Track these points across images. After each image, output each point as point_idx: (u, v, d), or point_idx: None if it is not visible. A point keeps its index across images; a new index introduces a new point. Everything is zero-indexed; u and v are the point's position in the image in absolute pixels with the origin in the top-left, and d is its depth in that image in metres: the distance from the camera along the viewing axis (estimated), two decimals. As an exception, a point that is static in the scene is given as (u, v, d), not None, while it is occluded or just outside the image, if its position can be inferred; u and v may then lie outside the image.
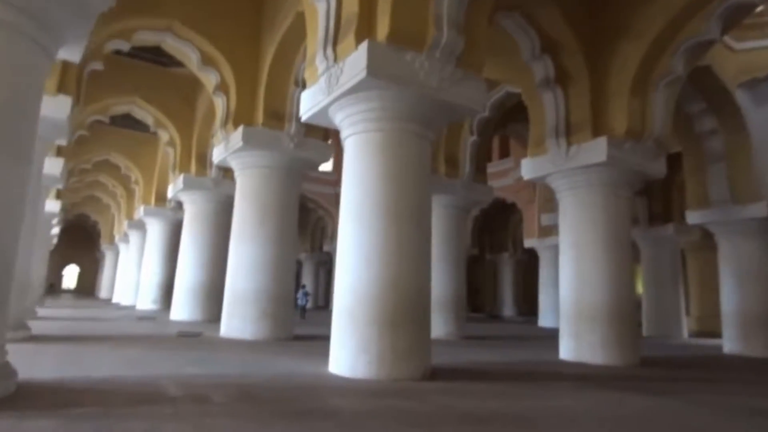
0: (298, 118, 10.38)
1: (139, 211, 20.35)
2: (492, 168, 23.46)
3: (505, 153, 25.14)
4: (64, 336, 9.04)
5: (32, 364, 5.68)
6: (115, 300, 27.08)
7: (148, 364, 6.26)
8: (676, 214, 17.32)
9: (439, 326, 12.25)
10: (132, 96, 14.37)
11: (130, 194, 23.29)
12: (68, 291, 46.67)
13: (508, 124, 15.71)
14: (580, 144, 9.11)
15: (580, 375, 7.27)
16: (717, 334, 14.67)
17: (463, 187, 12.74)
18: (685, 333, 17.47)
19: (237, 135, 10.17)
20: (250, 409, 4.18)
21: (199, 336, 10.04)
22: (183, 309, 14.29)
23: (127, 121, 17.68)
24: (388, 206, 6.31)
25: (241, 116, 10.40)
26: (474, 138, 12.83)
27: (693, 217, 12.95)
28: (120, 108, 14.70)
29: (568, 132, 9.37)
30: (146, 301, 19.49)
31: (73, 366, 5.92)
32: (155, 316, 15.54)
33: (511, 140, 24.18)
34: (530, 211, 22.72)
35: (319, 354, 7.25)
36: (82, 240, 44.25)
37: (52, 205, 17.88)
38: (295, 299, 17.80)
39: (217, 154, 11.38)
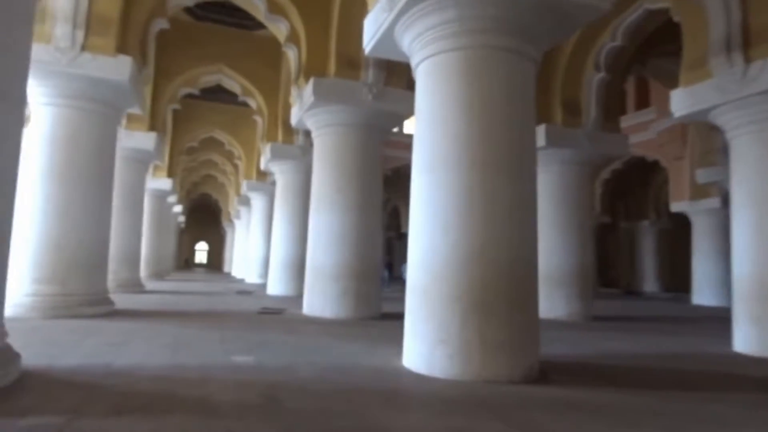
0: (376, 65, 8.74)
1: (243, 187, 20.28)
2: (627, 121, 19.94)
3: (643, 103, 21.22)
4: (146, 311, 8.53)
5: (70, 347, 4.99)
6: (234, 274, 28.04)
7: (199, 349, 5.28)
8: None
9: (559, 305, 10.10)
10: (218, 64, 13.69)
11: (236, 170, 23.48)
12: (201, 265, 50.53)
13: (648, 59, 12.56)
14: (766, 59, 6.34)
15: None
16: None
17: (587, 137, 10.19)
18: None
19: (309, 89, 8.77)
20: (261, 426, 2.89)
21: (281, 313, 9.06)
22: (278, 283, 13.68)
23: (225, 96, 17.36)
24: (472, 151, 4.48)
25: (312, 68, 9.00)
26: (601, 75, 10.14)
27: None
28: (208, 78, 14.13)
29: (747, 43, 6.60)
30: (253, 275, 19.55)
31: (112, 349, 4.98)
32: (254, 290, 15.17)
33: (651, 86, 20.35)
34: (679, 169, 18.91)
35: (401, 339, 5.80)
36: (209, 218, 47.15)
37: (163, 183, 18.33)
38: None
39: (294, 115, 10.13)
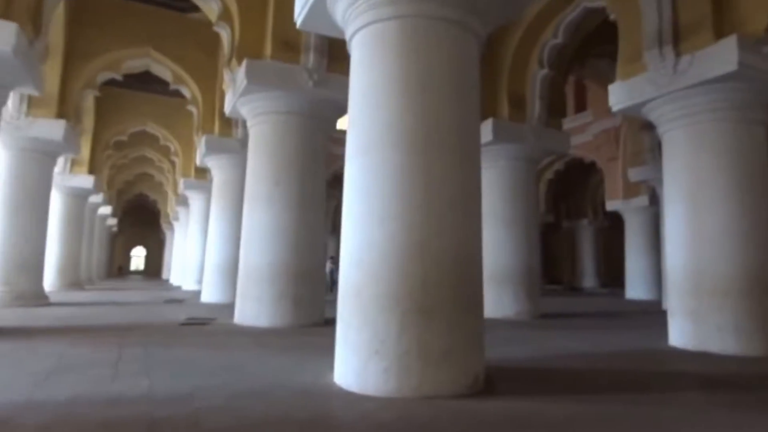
0: (317, 49, 8.22)
1: (180, 185, 19.08)
2: (567, 124, 20.32)
3: (581, 106, 21.75)
4: (39, 328, 7.18)
5: None
6: (171, 281, 26.56)
7: (81, 375, 4.35)
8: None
9: (507, 304, 9.93)
10: (145, 47, 12.63)
11: (174, 167, 22.19)
12: (137, 273, 47.66)
13: (586, 59, 12.71)
14: (694, 53, 6.34)
15: (718, 377, 4.77)
16: None
17: (532, 133, 10.10)
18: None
19: (242, 72, 8.12)
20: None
21: (208, 324, 8.25)
22: (213, 290, 12.75)
23: (159, 85, 16.26)
24: (410, 132, 4.04)
25: (246, 50, 8.28)
26: (545, 71, 10.09)
27: None
28: (134, 63, 12.99)
29: (677, 38, 6.60)
30: (191, 281, 18.40)
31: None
32: (188, 298, 14.16)
33: (588, 89, 20.86)
34: (613, 169, 19.46)
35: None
36: (147, 221, 44.37)
37: (82, 180, 16.91)
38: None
39: (227, 103, 9.44)
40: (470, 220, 4.17)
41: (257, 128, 8.60)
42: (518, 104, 10.07)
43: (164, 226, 33.12)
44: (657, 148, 13.87)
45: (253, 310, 8.05)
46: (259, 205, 8.26)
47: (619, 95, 7.31)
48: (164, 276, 35.23)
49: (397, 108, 4.09)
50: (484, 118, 9.86)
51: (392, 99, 4.12)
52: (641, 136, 14.65)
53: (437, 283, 3.88)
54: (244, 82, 7.94)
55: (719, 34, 6.27)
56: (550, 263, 29.17)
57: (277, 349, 5.90)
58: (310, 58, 8.15)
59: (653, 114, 7.07)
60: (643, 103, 7.04)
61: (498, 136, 9.73)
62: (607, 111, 19.29)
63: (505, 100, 10.01)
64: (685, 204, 6.66)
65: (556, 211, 27.01)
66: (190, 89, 13.44)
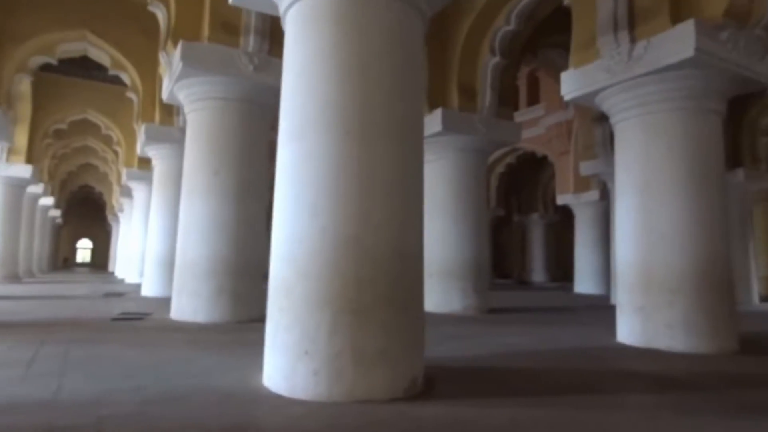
0: (258, 32, 7.80)
1: (123, 176, 18.20)
2: (519, 117, 20.48)
3: (534, 99, 21.98)
4: None
5: None
6: (117, 273, 25.45)
7: None
8: (747, 157, 14.21)
9: (454, 299, 9.80)
10: (81, 30, 11.86)
11: (117, 157, 21.14)
12: (83, 265, 45.95)
13: (539, 49, 12.73)
14: (650, 38, 6.19)
15: (666, 377, 4.71)
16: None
17: (482, 123, 9.97)
18: (756, 298, 14.58)
19: (177, 55, 7.62)
20: None
21: (143, 319, 7.80)
22: (154, 283, 12.19)
23: (99, 71, 15.36)
24: (344, 116, 3.74)
25: (182, 31, 7.78)
26: (496, 59, 9.93)
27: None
28: (70, 46, 12.18)
29: (632, 22, 6.42)
30: (134, 274, 17.65)
31: None
32: (128, 291, 13.50)
33: (541, 84, 21.09)
34: (564, 164, 19.76)
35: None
36: (93, 213, 42.76)
37: (19, 170, 15.97)
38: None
39: (165, 88, 8.88)
40: (410, 212, 3.92)
41: (194, 115, 8.12)
42: (469, 94, 9.90)
43: (110, 218, 31.84)
44: (609, 141, 14.02)
45: (190, 305, 7.63)
46: (197, 196, 7.83)
47: (571, 84, 7.05)
48: (110, 269, 33.90)
49: (331, 89, 3.79)
50: (433, 108, 9.68)
51: (326, 79, 3.81)
52: (593, 129, 14.75)
53: (372, 280, 3.61)
54: (180, 65, 7.44)
55: (676, 18, 6.04)
56: (500, 257, 29.55)
57: (208, 347, 5.52)
58: (251, 42, 7.74)
59: (606, 103, 6.87)
60: (596, 92, 6.80)
61: (447, 126, 9.54)
62: (560, 104, 19.65)
63: (455, 89, 9.82)
64: (636, 197, 6.54)
65: (507, 204, 27.31)
66: (129, 75, 12.71)
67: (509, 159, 24.24)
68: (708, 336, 6.05)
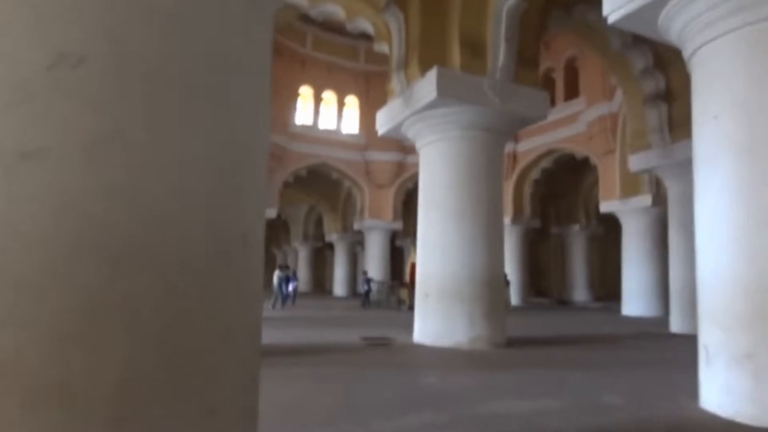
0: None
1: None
2: (557, 113, 17.68)
3: (573, 92, 19.05)
4: None
5: None
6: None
7: None
8: None
9: (457, 328, 7.14)
10: None
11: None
12: None
13: (575, 4, 9.89)
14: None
15: None
16: None
17: (494, 90, 7.24)
18: None
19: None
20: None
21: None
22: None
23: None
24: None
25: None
26: (511, 1, 7.26)
27: None
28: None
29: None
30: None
31: None
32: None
33: (580, 74, 18.26)
34: (609, 164, 16.85)
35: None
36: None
37: None
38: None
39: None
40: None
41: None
42: (475, 49, 7.23)
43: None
44: (666, 127, 11.02)
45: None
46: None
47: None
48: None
49: None
50: (428, 65, 7.10)
51: None
52: (645, 112, 11.54)
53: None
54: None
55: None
56: (537, 273, 26.74)
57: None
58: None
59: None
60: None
61: (444, 90, 6.86)
62: (603, 93, 16.72)
63: (455, 42, 7.19)
64: (744, 173, 4.00)
65: (543, 215, 24.08)
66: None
67: (545, 163, 20.98)
68: None
